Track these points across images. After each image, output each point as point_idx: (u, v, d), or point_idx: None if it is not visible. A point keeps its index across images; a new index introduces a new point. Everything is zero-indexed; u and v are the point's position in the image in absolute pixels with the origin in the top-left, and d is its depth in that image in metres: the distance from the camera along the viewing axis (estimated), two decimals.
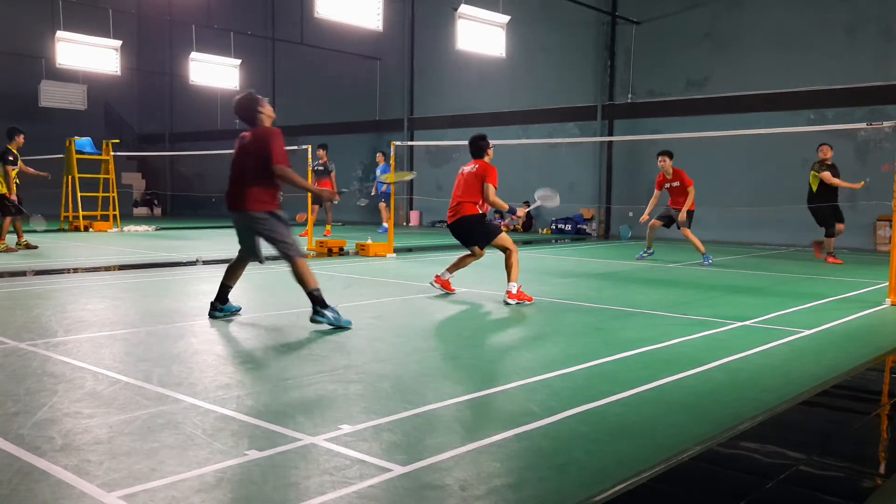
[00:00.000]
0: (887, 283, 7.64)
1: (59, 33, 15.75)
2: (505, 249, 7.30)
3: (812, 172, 11.18)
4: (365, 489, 2.68)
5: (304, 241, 13.73)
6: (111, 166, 18.24)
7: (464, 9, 13.60)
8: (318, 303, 5.66)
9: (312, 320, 5.67)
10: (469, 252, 7.54)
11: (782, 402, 3.88)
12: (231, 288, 6.26)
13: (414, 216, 22.24)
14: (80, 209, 17.34)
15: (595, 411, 3.67)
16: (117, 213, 18.32)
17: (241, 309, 6.32)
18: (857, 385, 4.42)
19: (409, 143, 20.38)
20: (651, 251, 11.79)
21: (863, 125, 9.32)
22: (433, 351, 5.04)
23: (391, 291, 7.80)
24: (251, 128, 5.91)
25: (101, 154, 18.08)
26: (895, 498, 2.79)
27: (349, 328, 5.65)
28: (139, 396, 3.82)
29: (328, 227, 16.49)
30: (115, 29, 18.15)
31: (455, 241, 7.64)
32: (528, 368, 4.53)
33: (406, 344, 5.34)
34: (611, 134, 17.89)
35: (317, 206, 15.53)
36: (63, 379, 4.13)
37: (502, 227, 8.81)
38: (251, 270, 9.80)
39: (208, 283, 8.33)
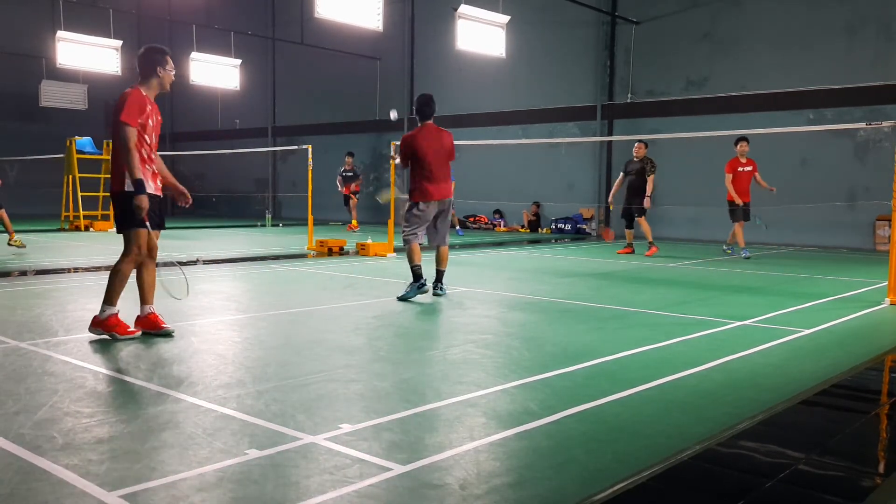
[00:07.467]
0: (887, 283, 7.65)
1: (60, 33, 15.77)
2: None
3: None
4: (365, 488, 2.69)
5: (304, 239, 13.75)
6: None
7: (464, 9, 13.61)
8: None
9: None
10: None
11: (781, 401, 3.88)
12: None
13: None
14: (81, 209, 17.35)
15: (595, 410, 3.68)
16: None
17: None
18: (857, 385, 4.43)
19: None
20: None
21: (862, 125, 9.32)
22: (433, 351, 5.05)
23: (391, 291, 7.81)
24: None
25: (101, 154, 18.07)
26: (895, 498, 2.80)
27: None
28: (139, 396, 3.83)
29: (354, 221, 16.60)
30: (116, 29, 18.14)
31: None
32: (528, 368, 4.53)
33: (406, 344, 5.35)
34: (610, 134, 17.89)
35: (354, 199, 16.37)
36: (63, 378, 4.14)
37: None
38: (250, 270, 9.82)
39: (208, 282, 8.34)
